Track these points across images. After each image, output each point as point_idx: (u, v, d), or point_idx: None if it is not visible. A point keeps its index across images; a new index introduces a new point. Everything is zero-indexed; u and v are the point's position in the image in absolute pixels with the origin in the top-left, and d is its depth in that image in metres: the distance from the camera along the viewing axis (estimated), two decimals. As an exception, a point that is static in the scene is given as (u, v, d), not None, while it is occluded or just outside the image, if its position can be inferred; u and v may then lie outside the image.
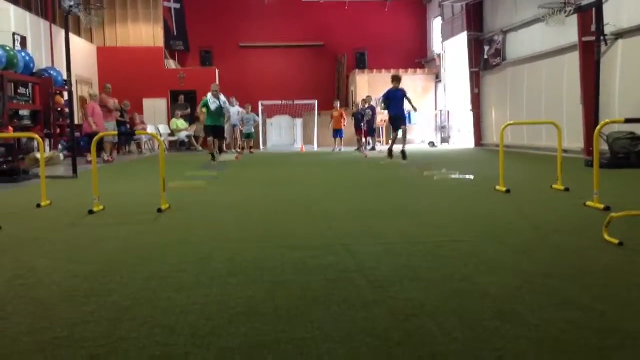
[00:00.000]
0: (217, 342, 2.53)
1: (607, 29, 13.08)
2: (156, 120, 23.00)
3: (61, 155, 15.26)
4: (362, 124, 21.05)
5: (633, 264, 3.74)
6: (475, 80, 21.23)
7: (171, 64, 25.32)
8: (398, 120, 14.66)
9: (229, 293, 3.27)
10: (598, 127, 6.04)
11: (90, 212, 6.29)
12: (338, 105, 22.41)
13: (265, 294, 3.24)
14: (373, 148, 21.20)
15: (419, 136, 25.77)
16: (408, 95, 14.75)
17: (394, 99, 14.49)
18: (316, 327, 2.69)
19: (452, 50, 23.83)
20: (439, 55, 25.38)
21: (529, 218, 5.71)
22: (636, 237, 4.49)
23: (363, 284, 3.39)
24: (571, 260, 3.91)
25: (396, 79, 14.71)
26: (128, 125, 19.58)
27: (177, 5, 26.05)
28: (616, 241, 4.24)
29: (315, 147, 23.67)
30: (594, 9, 12.91)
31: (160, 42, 24.48)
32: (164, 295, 3.23)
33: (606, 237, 4.37)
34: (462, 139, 23.22)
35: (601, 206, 5.82)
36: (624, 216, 4.63)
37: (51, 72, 16.59)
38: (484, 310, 2.88)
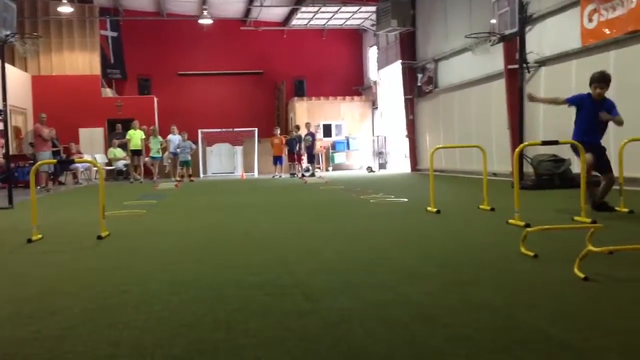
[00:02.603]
0: (160, 352, 2.70)
1: (531, 57, 13.89)
2: (93, 150, 22.74)
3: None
4: (296, 150, 21.58)
5: (544, 273, 4.10)
6: (410, 107, 21.94)
7: (108, 92, 25.14)
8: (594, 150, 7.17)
9: (171, 309, 3.44)
10: (517, 149, 6.50)
11: (29, 241, 6.30)
12: (278, 132, 22.76)
13: (206, 309, 3.42)
14: (313, 174, 21.56)
15: (358, 162, 26.32)
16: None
17: (591, 112, 7.22)
18: (253, 335, 2.90)
19: (388, 78, 24.57)
20: (375, 82, 26.11)
21: (455, 235, 6.08)
22: (551, 250, 4.88)
23: (299, 298, 3.62)
24: (489, 271, 4.26)
25: (604, 79, 7.24)
26: (63, 155, 19.30)
27: (115, 34, 25.98)
28: (532, 254, 4.61)
29: (256, 174, 23.86)
30: (517, 38, 13.69)
31: (97, 70, 24.33)
32: (107, 314, 3.38)
33: (523, 250, 4.74)
34: (399, 164, 23.86)
35: (522, 223, 6.23)
36: (538, 231, 5.02)
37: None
38: (406, 315, 3.15)
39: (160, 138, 20.76)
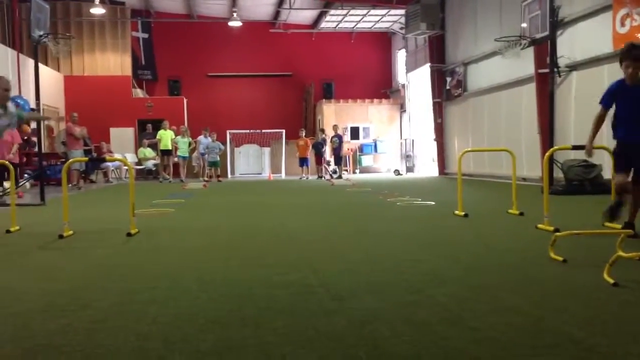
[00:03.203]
0: (188, 347, 2.74)
1: (562, 62, 13.73)
2: (124, 149, 23.06)
3: (27, 184, 15.25)
4: (323, 153, 21.74)
5: (573, 278, 4.06)
6: (438, 111, 21.83)
7: (139, 93, 25.50)
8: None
9: (199, 306, 3.49)
10: (547, 153, 6.43)
11: (60, 236, 6.43)
12: (304, 134, 22.84)
13: (233, 306, 3.46)
14: (340, 177, 21.57)
15: (385, 165, 26.27)
16: None
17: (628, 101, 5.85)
18: (280, 333, 2.92)
19: (416, 81, 24.50)
20: (403, 85, 26.04)
21: (483, 239, 6.04)
22: (580, 255, 4.82)
23: (325, 297, 3.64)
24: (517, 275, 4.23)
25: (630, 53, 5.79)
26: (95, 154, 19.61)
27: (146, 36, 26.34)
28: (561, 258, 4.57)
29: (283, 175, 23.96)
30: (548, 42, 13.54)
31: (128, 71, 24.69)
32: (137, 309, 3.43)
33: (552, 255, 4.69)
34: (427, 167, 23.75)
35: (551, 228, 6.17)
36: (567, 235, 4.97)
37: (18, 100, 16.61)
38: (432, 317, 3.15)
39: (189, 139, 20.99)
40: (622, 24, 11.96)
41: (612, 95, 5.85)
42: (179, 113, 24.57)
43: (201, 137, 21.34)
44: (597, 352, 2.58)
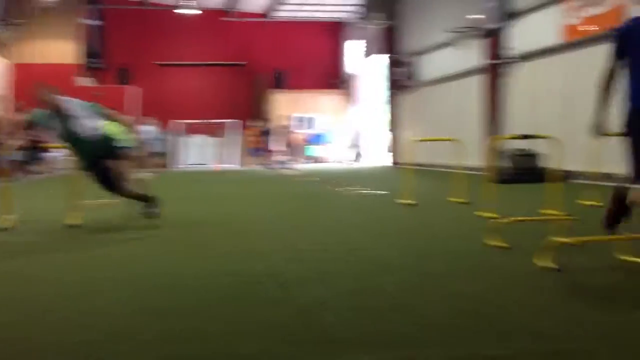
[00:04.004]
0: (130, 337, 2.70)
1: (512, 53, 13.97)
2: (71, 139, 22.48)
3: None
4: (269, 143, 21.72)
5: (516, 264, 4.16)
6: (390, 101, 21.99)
7: (88, 81, 24.88)
8: None
9: (142, 296, 3.45)
10: (490, 142, 6.56)
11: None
12: (255, 124, 22.73)
13: (178, 296, 3.43)
14: (289, 167, 21.52)
15: (335, 155, 26.37)
16: None
17: None
18: (225, 322, 2.91)
19: (368, 72, 24.61)
20: (355, 76, 26.13)
21: (430, 227, 6.14)
22: (523, 241, 4.93)
23: (272, 286, 3.64)
24: (461, 261, 4.31)
25: None
26: (40, 144, 19.03)
27: (97, 23, 25.69)
28: (505, 245, 4.67)
29: (234, 165, 23.79)
30: (499, 33, 13.77)
31: (79, 59, 24.08)
32: (78, 301, 3.37)
33: (495, 241, 4.80)
34: (378, 157, 23.93)
35: (496, 216, 6.29)
36: (511, 223, 5.09)
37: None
38: (379, 304, 3.19)
39: (134, 128, 20.58)
40: (572, 16, 12.22)
41: (623, 40, 4.10)
42: (129, 102, 24.08)
43: (144, 126, 20.98)
44: (540, 333, 2.65)
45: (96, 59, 25.86)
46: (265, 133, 21.91)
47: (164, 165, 21.36)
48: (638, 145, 3.68)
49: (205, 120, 24.42)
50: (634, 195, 3.72)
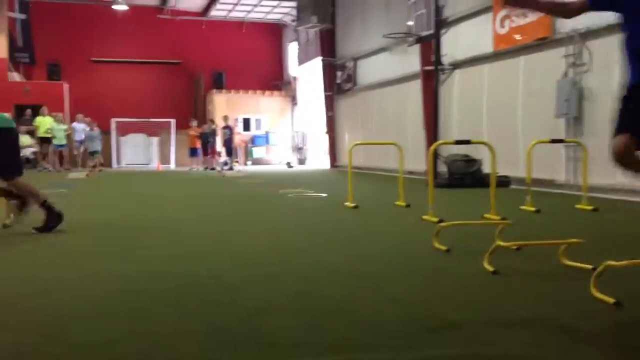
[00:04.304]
0: (69, 341, 2.60)
1: (445, 60, 14.30)
2: (-2, 136, 21.60)
3: None
4: (210, 144, 21.52)
5: (455, 266, 4.24)
6: (329, 104, 22.11)
7: (15, 76, 23.94)
8: None
9: (81, 300, 3.32)
10: (431, 148, 6.68)
11: None
12: (195, 124, 22.43)
13: (118, 300, 3.33)
14: (231, 168, 21.37)
15: (277, 157, 26.31)
16: None
17: None
18: (167, 325, 2.84)
19: (308, 74, 24.67)
20: (295, 78, 26.16)
21: (371, 230, 6.19)
22: (462, 244, 5.04)
23: (214, 289, 3.58)
24: (403, 264, 4.37)
25: None
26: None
27: (23, 16, 24.72)
28: (444, 248, 4.75)
29: (172, 166, 23.40)
30: (433, 40, 14.05)
31: (3, 53, 23.08)
32: (12, 303, 3.23)
33: (436, 244, 4.88)
34: (319, 160, 24.02)
35: (435, 219, 6.41)
36: (450, 226, 5.19)
37: None
38: (321, 307, 3.18)
39: (64, 125, 20.00)
40: (502, 25, 12.62)
41: None
42: (59, 99, 23.31)
43: (75, 123, 20.39)
44: (476, 334, 2.70)
45: (23, 53, 24.91)
46: (208, 134, 21.69)
47: (101, 164, 20.81)
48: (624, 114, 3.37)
49: (141, 119, 23.89)
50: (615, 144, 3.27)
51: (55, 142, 19.70)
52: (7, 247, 5.21)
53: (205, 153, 22.08)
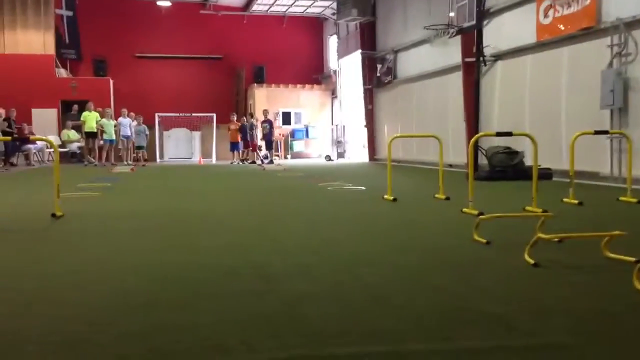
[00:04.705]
0: (114, 329, 2.70)
1: (487, 51, 14.12)
2: (46, 131, 22.17)
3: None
4: (249, 138, 21.64)
5: (495, 259, 4.22)
6: (369, 97, 22.05)
7: (62, 73, 24.53)
8: None
9: (126, 289, 3.43)
10: (472, 140, 6.63)
11: (-21, 220, 6.17)
12: (235, 118, 22.65)
13: (161, 289, 3.42)
14: (271, 161, 21.52)
15: (317, 150, 26.37)
16: None
17: None
18: (209, 314, 2.92)
19: (348, 68, 24.63)
20: (335, 71, 26.15)
21: (410, 222, 6.19)
22: (503, 237, 5.00)
23: (254, 279, 3.65)
24: (442, 256, 4.36)
25: None
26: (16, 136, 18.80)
27: (70, 13, 25.32)
28: (484, 240, 4.73)
29: (213, 160, 23.69)
30: (475, 31, 13.89)
31: (51, 50, 23.71)
32: (61, 293, 3.35)
33: (476, 237, 4.86)
34: (358, 153, 24.00)
35: (475, 212, 6.37)
36: (491, 219, 5.15)
37: None
38: (360, 296, 3.22)
39: (114, 121, 20.44)
40: (545, 15, 12.40)
41: None
42: (105, 94, 23.82)
43: (120, 118, 20.79)
44: (516, 327, 2.70)
45: (70, 49, 25.51)
46: (248, 128, 21.89)
47: (145, 159, 21.23)
48: None
49: (183, 114, 24.26)
50: None
51: (105, 137, 20.17)
52: (54, 240, 5.39)
53: (245, 146, 22.27)
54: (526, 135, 7.46)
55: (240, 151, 22.47)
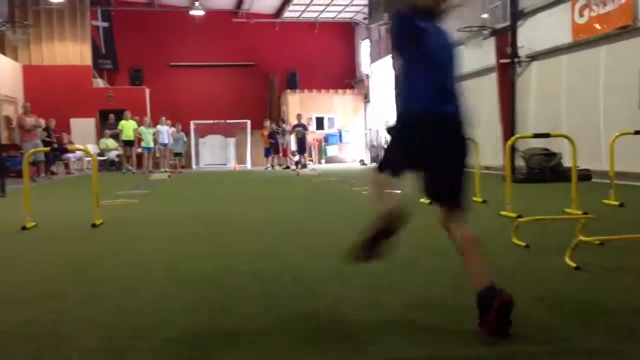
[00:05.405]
0: (155, 335, 2.74)
1: (522, 52, 13.95)
2: (85, 140, 22.63)
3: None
4: (281, 143, 21.72)
5: (535, 262, 4.16)
6: (401, 101, 21.92)
7: (100, 83, 25.02)
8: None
9: (166, 295, 3.48)
10: (509, 141, 6.55)
11: (23, 228, 6.31)
12: (269, 124, 22.79)
13: (201, 294, 3.46)
14: (305, 166, 21.58)
15: (351, 155, 26.36)
16: None
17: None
18: (248, 319, 2.94)
19: (380, 72, 24.57)
20: (367, 76, 26.12)
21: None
22: (542, 240, 4.93)
23: (292, 284, 3.67)
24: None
25: None
26: (56, 145, 19.21)
27: (106, 24, 25.83)
28: (524, 244, 4.67)
29: (248, 166, 23.87)
30: (509, 32, 13.74)
31: (88, 60, 24.19)
32: (103, 299, 3.41)
33: (515, 240, 4.79)
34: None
35: (514, 215, 6.29)
36: (530, 222, 5.08)
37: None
38: (396, 301, 3.21)
39: (152, 129, 20.77)
40: (581, 15, 12.20)
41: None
42: (141, 103, 24.21)
43: (159, 126, 21.12)
44: (557, 331, 2.66)
45: (106, 60, 26.01)
46: (280, 133, 22.02)
47: (182, 166, 21.54)
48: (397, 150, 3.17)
49: (218, 121, 24.53)
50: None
51: (143, 144, 20.51)
52: (95, 247, 5.48)
53: (275, 152, 22.36)
54: (564, 136, 7.35)
55: (271, 157, 22.57)
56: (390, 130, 3.32)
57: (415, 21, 2.97)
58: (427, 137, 2.84)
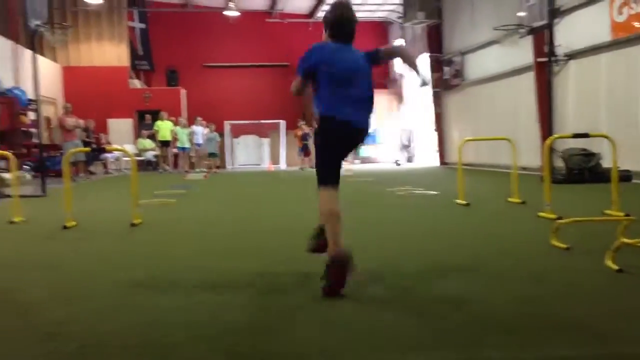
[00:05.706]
0: (194, 334, 2.77)
1: (559, 51, 13.72)
2: (122, 141, 22.99)
3: (27, 175, 15.21)
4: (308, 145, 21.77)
5: (576, 265, 4.09)
6: (437, 100, 21.80)
7: (136, 83, 25.39)
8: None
9: (204, 295, 3.51)
10: (547, 141, 6.46)
11: (64, 227, 6.44)
12: (303, 124, 22.85)
13: (239, 293, 3.49)
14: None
15: (385, 155, 26.27)
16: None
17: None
18: (287, 319, 2.95)
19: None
20: (401, 75, 25.99)
21: (485, 227, 6.07)
22: (583, 242, 4.84)
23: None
24: (521, 263, 4.26)
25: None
26: (93, 146, 19.57)
27: (142, 26, 26.19)
28: (564, 246, 4.59)
29: (283, 166, 23.97)
30: (546, 31, 13.53)
31: (125, 61, 24.56)
32: (142, 299, 3.46)
33: (555, 242, 4.72)
34: (426, 157, 23.75)
35: (553, 216, 6.19)
36: (570, 223, 4.99)
37: (16, 92, 16.56)
38: (435, 304, 3.19)
39: (188, 129, 21.02)
40: (620, 12, 11.95)
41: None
42: (177, 103, 24.51)
43: (194, 127, 21.36)
44: (601, 335, 2.61)
45: (143, 61, 26.38)
46: (307, 134, 22.06)
47: (217, 166, 21.76)
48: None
49: (252, 121, 24.68)
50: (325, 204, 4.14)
51: (179, 144, 20.78)
52: (133, 247, 5.56)
53: (305, 154, 22.41)
54: (604, 136, 7.20)
55: (301, 159, 22.62)
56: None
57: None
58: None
